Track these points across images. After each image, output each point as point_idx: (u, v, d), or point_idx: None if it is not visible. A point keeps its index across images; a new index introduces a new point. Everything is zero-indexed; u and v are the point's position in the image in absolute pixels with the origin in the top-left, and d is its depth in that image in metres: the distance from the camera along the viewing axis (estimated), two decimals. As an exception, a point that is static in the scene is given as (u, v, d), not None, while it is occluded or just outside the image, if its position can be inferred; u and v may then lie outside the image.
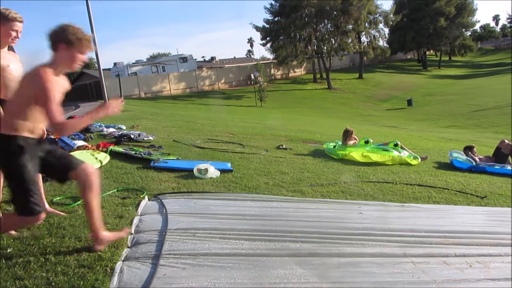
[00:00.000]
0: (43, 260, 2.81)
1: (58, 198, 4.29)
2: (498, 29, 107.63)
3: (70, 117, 11.83)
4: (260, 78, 34.66)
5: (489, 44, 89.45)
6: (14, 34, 3.29)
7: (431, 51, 66.03)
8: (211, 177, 5.48)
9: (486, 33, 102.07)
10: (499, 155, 7.81)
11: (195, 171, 5.53)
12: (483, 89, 38.19)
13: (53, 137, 7.70)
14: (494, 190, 5.77)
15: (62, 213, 3.79)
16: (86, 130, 9.24)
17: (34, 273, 2.65)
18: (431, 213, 4.46)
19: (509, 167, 7.34)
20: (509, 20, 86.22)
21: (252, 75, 41.52)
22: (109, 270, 2.72)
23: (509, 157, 7.75)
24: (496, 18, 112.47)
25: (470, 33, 66.79)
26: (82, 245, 3.08)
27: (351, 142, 8.46)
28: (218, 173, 5.67)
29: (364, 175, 6.35)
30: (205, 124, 13.64)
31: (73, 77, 53.39)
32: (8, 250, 2.95)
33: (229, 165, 6.23)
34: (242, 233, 3.46)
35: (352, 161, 7.49)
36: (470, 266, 3.02)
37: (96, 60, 19.65)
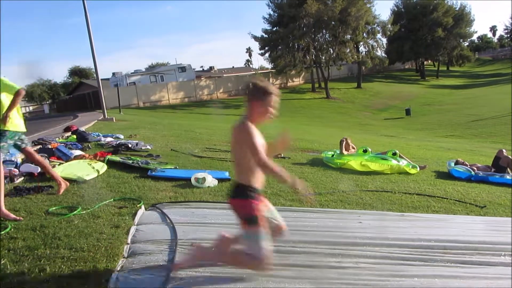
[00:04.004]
0: (37, 271, 2.76)
1: (54, 208, 4.25)
2: (495, 39, 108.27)
3: (67, 127, 11.81)
4: (258, 88, 34.66)
5: (486, 55, 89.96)
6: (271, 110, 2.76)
7: (429, 61, 66.28)
8: (208, 186, 5.45)
9: (484, 43, 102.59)
10: (498, 166, 7.78)
11: (192, 180, 5.50)
12: (481, 99, 38.26)
13: (50, 146, 7.68)
14: (494, 200, 5.74)
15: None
16: (84, 139, 9.22)
17: (28, 284, 2.61)
18: (431, 222, 4.42)
19: (508, 177, 7.31)
20: (506, 31, 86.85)
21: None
22: (104, 281, 2.68)
23: (507, 169, 7.73)
24: (493, 29, 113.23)
25: (467, 44, 67.01)
26: (78, 255, 3.04)
27: (352, 151, 8.48)
28: (216, 182, 5.64)
29: (362, 184, 6.32)
30: (204, 133, 13.62)
31: (72, 88, 53.63)
32: (2, 261, 2.90)
33: (227, 174, 6.20)
34: (240, 243, 3.42)
35: (350, 170, 7.46)
36: (470, 275, 2.98)
37: (94, 70, 19.63)
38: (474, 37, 77.18)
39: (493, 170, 7.73)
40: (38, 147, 7.90)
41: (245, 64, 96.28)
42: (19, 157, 6.37)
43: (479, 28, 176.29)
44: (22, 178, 5.64)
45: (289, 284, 2.76)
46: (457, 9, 56.86)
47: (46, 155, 6.47)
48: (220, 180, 5.79)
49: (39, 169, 5.80)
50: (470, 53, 64.39)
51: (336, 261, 3.15)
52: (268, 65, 52.82)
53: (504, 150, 8.03)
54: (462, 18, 56.78)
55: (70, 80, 60.45)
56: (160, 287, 2.62)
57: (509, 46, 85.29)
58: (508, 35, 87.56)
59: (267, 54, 46.15)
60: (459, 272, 3.05)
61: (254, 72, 43.15)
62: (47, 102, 57.69)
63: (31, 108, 63.62)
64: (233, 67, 69.89)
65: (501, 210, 5.25)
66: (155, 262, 3.00)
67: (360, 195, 5.56)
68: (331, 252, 3.32)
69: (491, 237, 3.90)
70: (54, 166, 6.05)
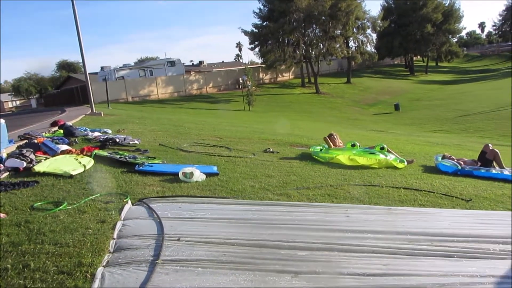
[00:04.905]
0: (21, 267, 2.73)
1: (39, 203, 4.20)
2: (483, 36, 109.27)
3: (54, 122, 11.68)
4: (248, 82, 34.60)
5: (475, 51, 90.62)
6: None
7: (418, 57, 66.67)
8: (196, 181, 5.43)
9: (472, 39, 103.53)
10: (484, 160, 7.87)
11: (180, 174, 5.47)
12: (469, 94, 38.64)
13: (36, 141, 7.59)
14: (479, 193, 5.80)
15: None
16: (71, 134, 9.13)
17: (11, 280, 2.57)
18: (418, 216, 4.45)
19: (494, 171, 7.40)
20: (494, 27, 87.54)
21: (240, 79, 41.49)
22: (89, 276, 2.65)
23: (493, 162, 7.83)
24: (482, 25, 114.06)
25: (456, 40, 67.55)
26: (63, 250, 3.00)
27: (341, 145, 8.50)
28: (204, 176, 5.62)
29: (350, 178, 6.34)
30: (192, 128, 13.57)
31: (60, 82, 53.02)
32: (-15, 257, 2.86)
33: (215, 169, 6.19)
34: (227, 238, 3.41)
35: (338, 165, 7.48)
36: (457, 267, 3.01)
37: (82, 64, 19.43)
38: (463, 33, 77.96)
39: (479, 164, 7.81)
40: (24, 141, 7.80)
41: (235, 58, 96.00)
42: (4, 152, 6.29)
43: (468, 24, 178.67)
44: (7, 173, 5.56)
45: (275, 277, 2.77)
46: (446, 5, 57.22)
47: (32, 150, 6.39)
48: (208, 174, 5.77)
49: (25, 164, 5.74)
50: (459, 49, 64.89)
51: (323, 255, 3.16)
52: (258, 60, 52.78)
53: (490, 145, 8.13)
54: (451, 14, 57.15)
55: (58, 74, 59.75)
56: (147, 282, 2.60)
57: (497, 43, 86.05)
58: (496, 32, 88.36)
59: (257, 49, 46.02)
60: (446, 264, 3.09)
61: (244, 67, 42.90)
62: (35, 97, 56.99)
63: (18, 102, 62.84)
64: (223, 61, 69.57)
65: (486, 203, 5.31)
66: (141, 257, 2.98)
67: (347, 189, 5.58)
68: (318, 246, 3.33)
69: (477, 230, 3.94)
70: (40, 161, 5.99)
